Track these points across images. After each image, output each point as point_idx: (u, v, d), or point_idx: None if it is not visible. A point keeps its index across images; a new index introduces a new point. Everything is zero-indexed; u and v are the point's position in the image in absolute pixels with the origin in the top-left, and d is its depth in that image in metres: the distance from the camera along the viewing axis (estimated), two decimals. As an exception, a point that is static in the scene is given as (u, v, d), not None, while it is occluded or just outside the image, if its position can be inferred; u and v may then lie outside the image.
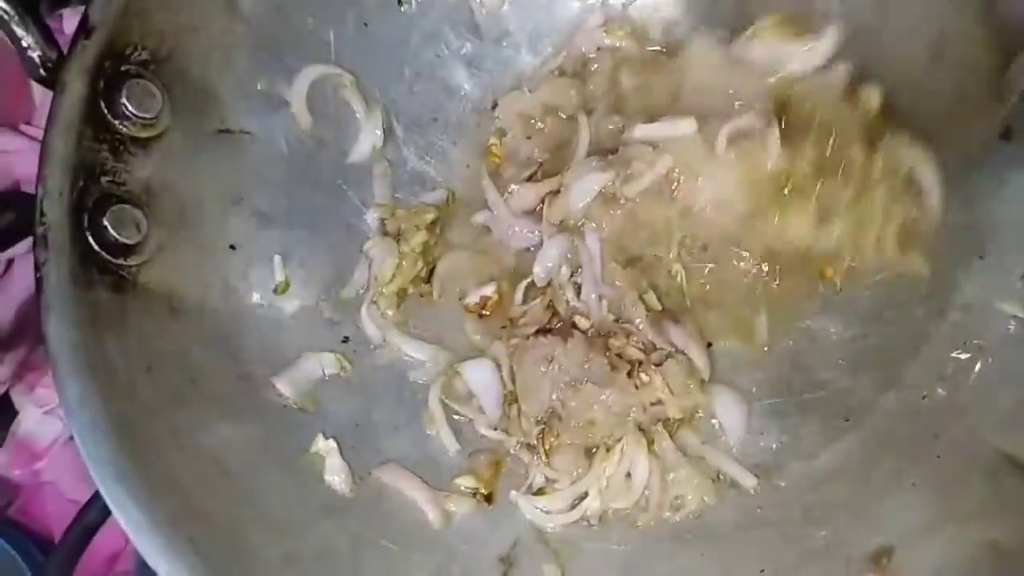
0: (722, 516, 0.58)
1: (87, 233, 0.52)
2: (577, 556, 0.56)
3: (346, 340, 0.64)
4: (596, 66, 0.70)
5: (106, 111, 0.54)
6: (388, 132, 0.71)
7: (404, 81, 0.72)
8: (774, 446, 0.60)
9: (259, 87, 0.64)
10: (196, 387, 0.53)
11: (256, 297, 0.61)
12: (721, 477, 0.59)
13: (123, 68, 0.55)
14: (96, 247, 0.52)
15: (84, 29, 0.55)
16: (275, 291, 0.62)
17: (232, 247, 0.61)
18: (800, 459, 0.59)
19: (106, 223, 0.53)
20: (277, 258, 0.63)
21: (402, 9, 0.71)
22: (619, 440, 0.58)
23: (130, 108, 0.55)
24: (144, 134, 0.56)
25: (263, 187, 0.64)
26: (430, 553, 0.55)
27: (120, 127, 0.55)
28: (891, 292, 0.62)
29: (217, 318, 0.57)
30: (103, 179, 0.54)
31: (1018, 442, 0.50)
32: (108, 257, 0.52)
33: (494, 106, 0.73)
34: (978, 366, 0.56)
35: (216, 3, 0.61)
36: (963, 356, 0.57)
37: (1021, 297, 0.56)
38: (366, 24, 0.70)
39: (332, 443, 0.57)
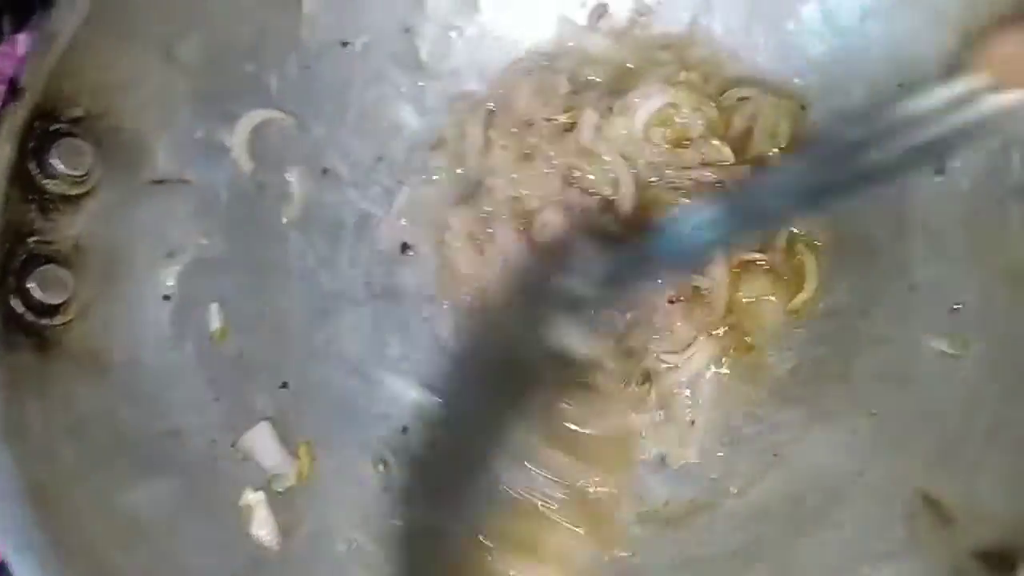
0: (656, 556, 0.58)
1: (11, 296, 0.52)
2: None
3: (284, 386, 0.65)
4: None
5: (35, 171, 0.55)
6: (332, 173, 0.71)
7: (348, 122, 0.72)
8: (709, 481, 0.60)
9: (198, 135, 0.65)
10: (121, 446, 0.54)
11: (191, 348, 0.61)
12: (654, 512, 0.60)
13: (53, 128, 0.56)
14: (20, 309, 0.53)
15: (13, 91, 0.56)
16: (211, 340, 0.63)
17: (166, 297, 0.61)
18: (732, 496, 0.59)
19: (31, 284, 0.53)
20: (214, 305, 0.63)
21: (346, 50, 0.72)
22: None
23: (60, 167, 0.56)
24: (74, 191, 0.57)
25: (201, 235, 0.64)
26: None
27: (49, 186, 0.55)
28: (824, 326, 0.62)
29: (147, 373, 0.58)
30: (30, 240, 0.54)
31: (938, 481, 0.49)
32: (33, 318, 0.53)
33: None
34: (903, 402, 0.56)
35: (152, 56, 0.62)
36: (890, 391, 0.57)
37: (948, 332, 0.55)
38: (308, 66, 0.70)
39: (261, 495, 0.58)
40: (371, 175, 0.72)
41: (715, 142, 0.66)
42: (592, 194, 0.67)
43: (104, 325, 0.57)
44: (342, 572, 0.57)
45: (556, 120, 0.70)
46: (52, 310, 0.54)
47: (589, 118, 0.68)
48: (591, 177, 0.67)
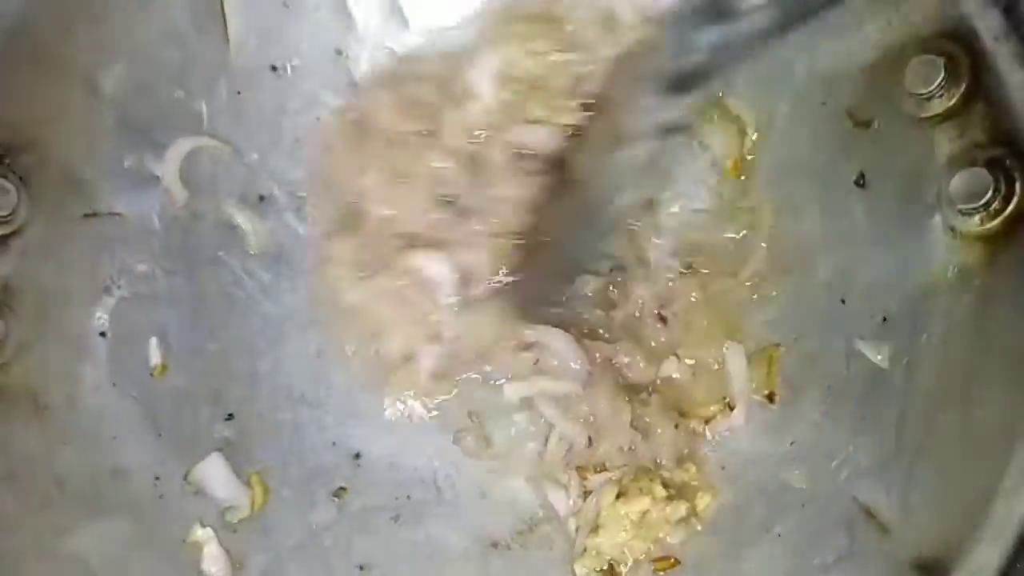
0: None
1: (-60, 341, 0.51)
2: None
3: (230, 417, 0.64)
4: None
5: (-44, 214, 0.54)
6: (269, 199, 0.71)
7: (284, 147, 0.72)
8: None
9: (127, 165, 0.64)
10: (63, 489, 0.53)
11: (131, 384, 0.60)
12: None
13: (-26, 167, 0.55)
14: (-49, 355, 0.51)
15: (-69, 131, 0.54)
16: (151, 375, 0.62)
17: (103, 334, 0.60)
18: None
19: (-39, 330, 0.52)
20: (153, 340, 0.63)
21: (276, 74, 0.71)
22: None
23: (-18, 207, 0.55)
24: (0, 232, 0.56)
25: (136, 268, 0.63)
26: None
27: (-28, 228, 0.55)
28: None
29: (87, 413, 0.57)
30: (-43, 285, 0.53)
31: (873, 491, 0.51)
32: (-36, 364, 0.52)
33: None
34: (841, 414, 0.57)
35: (75, 87, 0.60)
36: (828, 405, 0.59)
37: (877, 342, 0.57)
38: (239, 92, 0.70)
39: (210, 531, 0.57)
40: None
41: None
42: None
43: (40, 366, 0.56)
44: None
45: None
46: (-16, 354, 0.53)
47: (452, 120, 0.67)
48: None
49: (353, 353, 0.67)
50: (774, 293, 0.64)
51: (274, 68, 0.71)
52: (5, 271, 0.55)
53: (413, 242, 0.66)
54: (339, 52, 0.73)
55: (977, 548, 0.41)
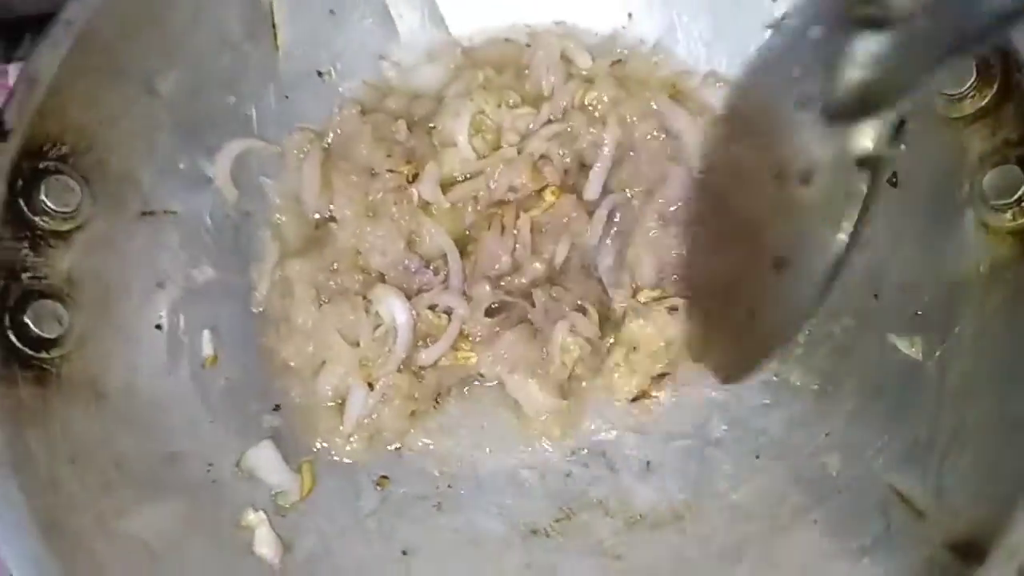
0: (642, 559, 0.60)
1: (8, 332, 0.53)
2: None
3: (277, 408, 0.66)
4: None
5: (25, 209, 0.56)
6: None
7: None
8: (691, 486, 0.62)
9: (181, 166, 0.66)
10: (122, 472, 0.55)
11: (185, 374, 0.63)
12: (641, 517, 0.62)
13: (41, 166, 0.57)
14: (18, 344, 0.54)
15: (0, 132, 0.57)
16: (203, 366, 0.64)
17: (158, 327, 0.63)
18: (715, 498, 0.61)
19: (27, 320, 0.54)
20: (206, 333, 0.65)
21: (322, 80, 0.74)
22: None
23: (49, 204, 0.57)
24: (65, 227, 0.58)
25: (189, 264, 0.66)
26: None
27: (40, 223, 0.57)
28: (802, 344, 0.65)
29: (144, 400, 0.59)
30: (24, 276, 0.55)
31: (907, 478, 0.52)
32: (30, 352, 0.54)
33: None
34: (876, 405, 0.58)
35: (134, 91, 0.63)
36: (863, 396, 0.59)
37: (910, 335, 0.58)
38: (287, 96, 0.72)
39: (262, 514, 0.59)
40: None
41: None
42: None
43: (100, 355, 0.58)
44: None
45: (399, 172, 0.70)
46: (49, 343, 0.56)
47: (431, 171, 0.70)
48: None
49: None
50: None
51: (320, 74, 0.74)
52: (69, 264, 0.58)
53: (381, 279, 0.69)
54: (383, 58, 0.76)
55: (1013, 528, 0.42)
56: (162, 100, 0.65)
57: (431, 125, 0.72)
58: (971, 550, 0.44)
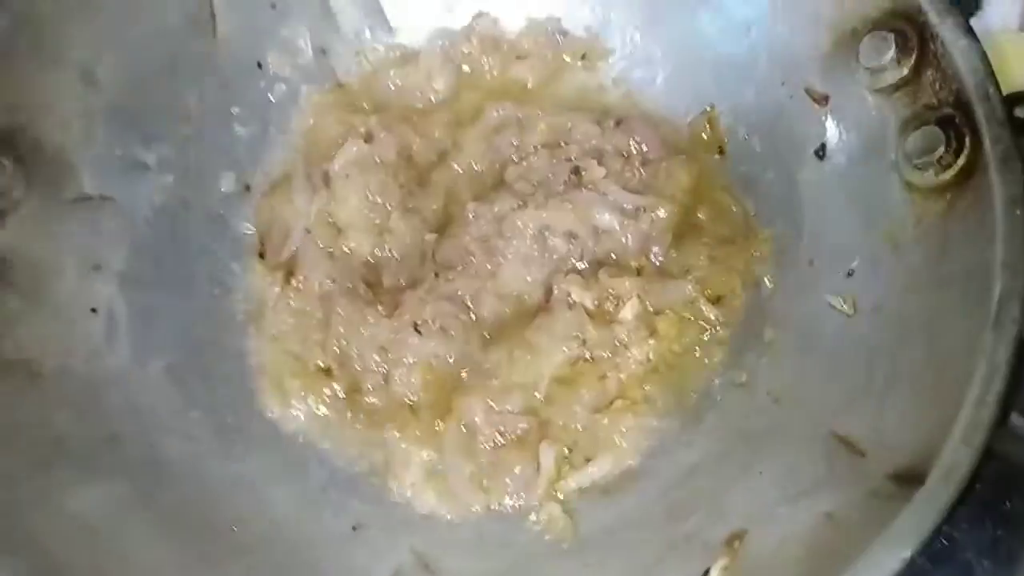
0: (594, 523, 0.60)
1: (-61, 307, 0.52)
2: (457, 574, 0.58)
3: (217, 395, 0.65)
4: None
5: (-44, 188, 0.55)
6: (255, 189, 0.73)
7: (269, 139, 0.75)
8: (641, 454, 0.63)
9: (119, 153, 0.66)
10: (61, 451, 0.54)
11: (122, 358, 0.61)
12: (591, 487, 0.62)
13: (-28, 144, 0.56)
14: (-52, 320, 0.52)
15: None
16: (142, 351, 0.63)
17: (94, 310, 0.61)
18: (662, 459, 0.62)
19: (-41, 296, 0.53)
20: (141, 318, 0.63)
21: (262, 71, 0.74)
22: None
23: (-20, 183, 0.56)
24: (-4, 206, 0.57)
25: (126, 250, 0.65)
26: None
27: (-30, 202, 0.56)
28: (743, 309, 0.67)
29: (81, 382, 0.58)
30: (-45, 253, 0.54)
31: (847, 424, 0.53)
32: (-39, 329, 0.53)
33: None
34: (814, 359, 0.60)
35: (70, 77, 0.63)
36: (802, 353, 0.61)
37: (843, 292, 0.60)
38: (227, 87, 0.72)
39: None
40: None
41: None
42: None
43: (35, 335, 0.57)
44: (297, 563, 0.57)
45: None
46: (-19, 321, 0.54)
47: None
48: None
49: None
50: (756, 254, 0.67)
51: (260, 65, 0.74)
52: (1, 245, 0.57)
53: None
54: (323, 51, 0.76)
55: (948, 452, 0.44)
56: (99, 86, 0.64)
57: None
58: (912, 476, 0.45)
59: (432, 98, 0.77)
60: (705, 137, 0.73)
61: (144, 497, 0.55)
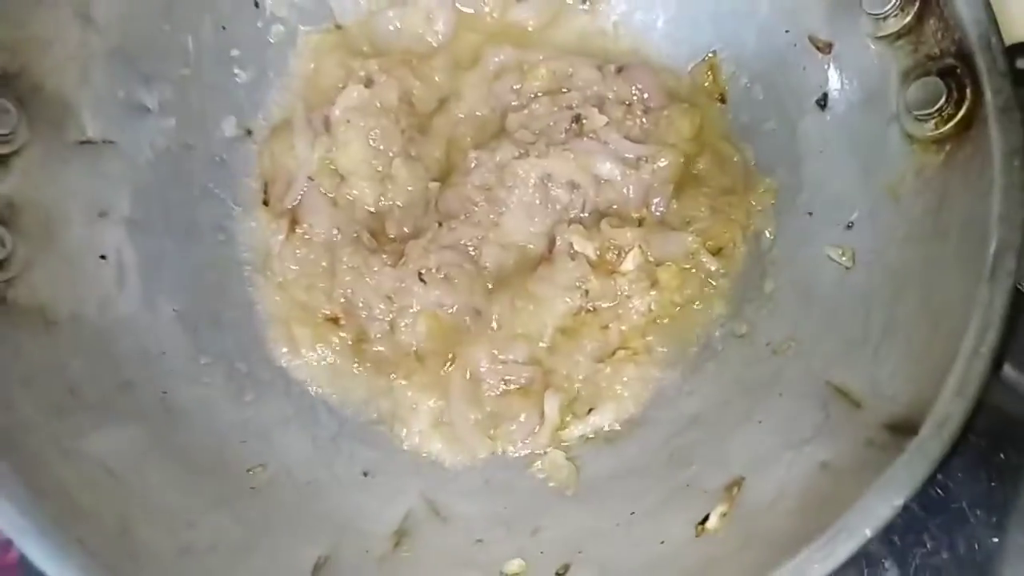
0: (596, 470, 0.62)
1: (-50, 253, 0.52)
2: (465, 518, 0.60)
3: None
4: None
5: (-41, 131, 0.54)
6: (251, 133, 0.73)
7: (268, 80, 0.74)
8: (643, 404, 0.65)
9: (119, 95, 0.65)
10: (76, 397, 0.54)
11: (132, 305, 0.62)
12: (594, 435, 0.64)
13: (-27, 87, 0.55)
14: (-40, 266, 0.52)
15: (-75, 50, 0.55)
16: (151, 298, 0.63)
17: (103, 257, 0.61)
18: (664, 408, 0.64)
19: (-29, 242, 0.53)
20: (150, 264, 0.64)
21: (258, 10, 0.73)
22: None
23: (-16, 125, 0.55)
24: (2, 150, 0.56)
25: (131, 195, 0.64)
26: (322, 534, 0.57)
27: (-26, 146, 0.55)
28: (743, 260, 0.68)
29: (93, 329, 0.58)
30: (-39, 199, 0.54)
31: (844, 375, 0.55)
32: (-27, 275, 0.53)
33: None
34: (811, 312, 0.62)
35: (66, 15, 0.61)
36: (800, 304, 0.63)
37: (841, 244, 0.61)
38: (224, 27, 0.71)
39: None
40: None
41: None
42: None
43: (46, 282, 0.57)
44: (309, 504, 0.58)
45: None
46: (-7, 267, 0.54)
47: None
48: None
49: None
50: (757, 205, 0.68)
51: (256, 4, 0.73)
52: (8, 189, 0.56)
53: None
54: (321, -11, 0.75)
55: (942, 403, 0.45)
56: (96, 26, 0.63)
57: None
58: (907, 426, 0.47)
59: (432, 41, 0.76)
60: (706, 84, 0.73)
61: (160, 441, 0.56)
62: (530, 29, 0.76)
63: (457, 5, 0.76)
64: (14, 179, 0.57)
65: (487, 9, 0.76)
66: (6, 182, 0.56)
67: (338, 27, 0.76)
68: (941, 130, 0.56)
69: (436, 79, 0.74)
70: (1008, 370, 0.47)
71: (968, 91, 0.54)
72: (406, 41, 0.76)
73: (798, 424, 0.55)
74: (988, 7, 0.54)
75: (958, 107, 0.54)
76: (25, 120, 0.58)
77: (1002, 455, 0.58)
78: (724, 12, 0.71)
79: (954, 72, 0.55)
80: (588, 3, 0.76)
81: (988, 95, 0.52)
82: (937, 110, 0.55)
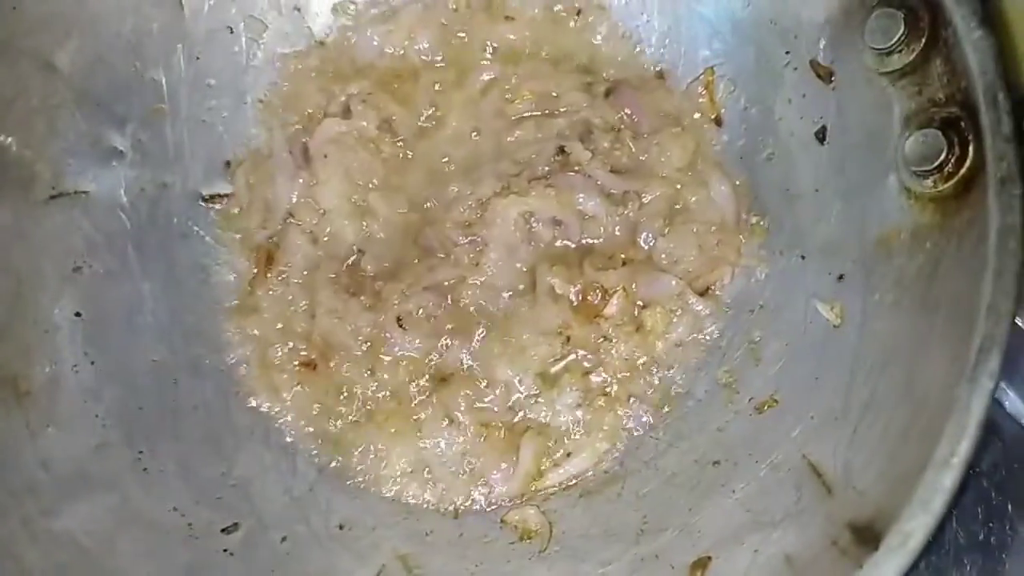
0: (570, 525, 0.61)
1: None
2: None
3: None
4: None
5: (-80, 204, 0.54)
6: (234, 162, 0.71)
7: (247, 108, 0.72)
8: (620, 454, 0.64)
9: (89, 142, 0.64)
10: (48, 470, 0.55)
11: (110, 361, 0.61)
12: (570, 486, 0.63)
13: (-66, 155, 0.55)
14: (-73, 347, 0.53)
15: None
16: (130, 350, 0.63)
17: (78, 314, 0.61)
18: (641, 461, 0.63)
19: (-64, 320, 0.54)
20: (127, 316, 0.64)
21: (233, 36, 0.70)
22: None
23: (-54, 196, 0.55)
24: (-34, 219, 0.57)
25: (107, 243, 0.64)
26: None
27: (-62, 217, 0.55)
28: (731, 303, 0.65)
29: (68, 393, 0.58)
30: (-73, 274, 0.54)
31: (820, 451, 0.53)
32: (-58, 355, 0.53)
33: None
34: (797, 369, 0.59)
35: (28, 67, 0.60)
36: (787, 359, 0.60)
37: (831, 298, 0.58)
38: (198, 57, 0.69)
39: (196, 498, 0.60)
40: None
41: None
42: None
43: (18, 352, 0.57)
44: (283, 565, 0.59)
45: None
46: (-39, 345, 0.55)
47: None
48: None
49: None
50: (748, 243, 0.65)
51: (231, 29, 0.70)
52: (-26, 259, 0.57)
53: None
54: (297, 9, 0.72)
55: (907, 517, 0.43)
56: (61, 74, 0.62)
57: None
58: (869, 534, 0.45)
59: (415, 59, 0.72)
60: (702, 102, 0.69)
61: (133, 508, 0.57)
62: (517, 45, 0.72)
63: (442, 21, 0.72)
64: (-20, 247, 0.57)
65: (473, 24, 0.72)
66: (-27, 252, 0.56)
67: (319, 43, 0.73)
68: (940, 188, 0.52)
69: (418, 100, 0.71)
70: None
71: (970, 148, 0.49)
72: (388, 60, 0.73)
73: (770, 502, 0.54)
74: (998, 57, 0.49)
75: (959, 165, 0.50)
76: (-11, 184, 0.58)
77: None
78: (723, 28, 0.66)
79: (957, 125, 0.50)
80: (579, 15, 0.71)
81: (990, 161, 0.48)
82: (937, 167, 0.51)
